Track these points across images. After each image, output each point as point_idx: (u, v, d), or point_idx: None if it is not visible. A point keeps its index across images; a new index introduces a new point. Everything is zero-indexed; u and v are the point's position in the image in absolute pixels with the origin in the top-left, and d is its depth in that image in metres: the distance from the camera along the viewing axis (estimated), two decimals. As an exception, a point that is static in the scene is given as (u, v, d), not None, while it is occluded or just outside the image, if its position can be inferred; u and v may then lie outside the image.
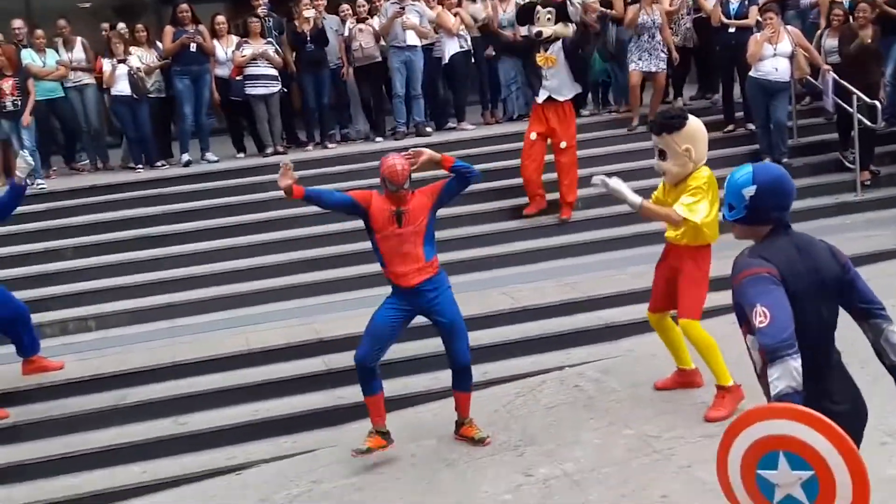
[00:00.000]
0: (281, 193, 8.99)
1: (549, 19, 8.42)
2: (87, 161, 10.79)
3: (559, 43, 8.48)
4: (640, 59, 9.90)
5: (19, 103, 9.37)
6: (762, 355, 2.86)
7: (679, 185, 5.35)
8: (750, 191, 3.07)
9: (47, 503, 5.67)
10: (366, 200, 5.28)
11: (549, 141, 8.65)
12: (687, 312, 5.49)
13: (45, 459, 6.01)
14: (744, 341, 3.12)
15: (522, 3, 9.66)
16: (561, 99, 8.58)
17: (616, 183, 5.03)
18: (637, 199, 5.07)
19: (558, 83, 8.53)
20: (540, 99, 8.60)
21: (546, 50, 8.49)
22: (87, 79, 10.27)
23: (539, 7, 8.51)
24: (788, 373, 2.75)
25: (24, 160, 6.61)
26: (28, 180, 9.37)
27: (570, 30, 8.56)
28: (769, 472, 2.76)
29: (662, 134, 5.22)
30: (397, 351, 6.02)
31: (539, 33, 8.46)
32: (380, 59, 10.37)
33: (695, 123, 5.32)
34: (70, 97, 10.26)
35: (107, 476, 5.89)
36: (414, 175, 5.30)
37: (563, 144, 8.56)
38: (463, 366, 5.42)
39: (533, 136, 8.60)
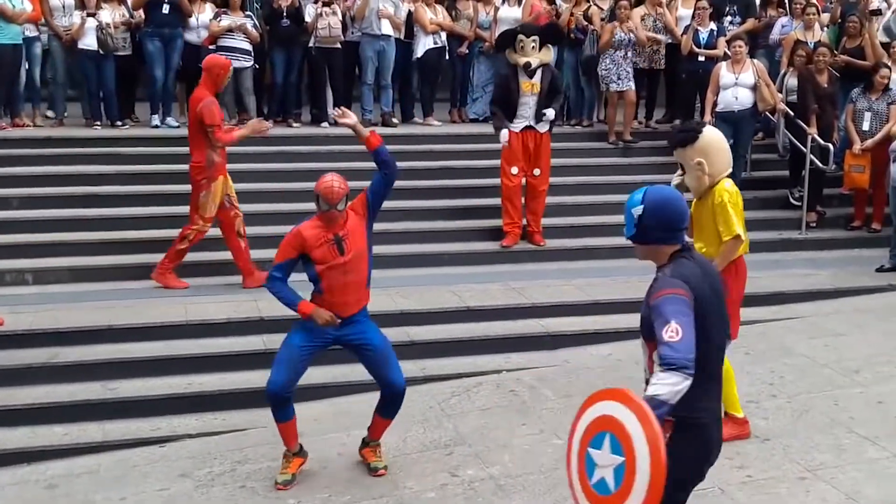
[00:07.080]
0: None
1: (533, 48, 8.20)
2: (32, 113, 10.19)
3: (541, 70, 8.27)
4: (619, 77, 9.90)
5: None
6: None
7: (703, 198, 5.11)
8: (638, 210, 3.25)
9: (-38, 454, 5.53)
10: (297, 245, 4.82)
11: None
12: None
13: (-35, 410, 5.86)
14: (648, 357, 3.22)
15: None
16: (541, 131, 8.37)
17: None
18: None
19: (537, 112, 8.29)
20: (518, 128, 8.30)
21: (531, 77, 8.26)
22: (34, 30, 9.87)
23: (522, 35, 8.25)
24: (675, 387, 2.90)
25: None
26: None
27: (552, 54, 8.50)
28: (595, 451, 2.94)
29: (677, 148, 5.14)
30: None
31: (528, 64, 8.19)
32: (339, 44, 10.17)
33: (709, 136, 5.09)
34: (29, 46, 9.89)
35: (27, 434, 5.77)
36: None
37: (536, 172, 8.34)
38: (402, 391, 5.02)
39: (514, 170, 8.27)
